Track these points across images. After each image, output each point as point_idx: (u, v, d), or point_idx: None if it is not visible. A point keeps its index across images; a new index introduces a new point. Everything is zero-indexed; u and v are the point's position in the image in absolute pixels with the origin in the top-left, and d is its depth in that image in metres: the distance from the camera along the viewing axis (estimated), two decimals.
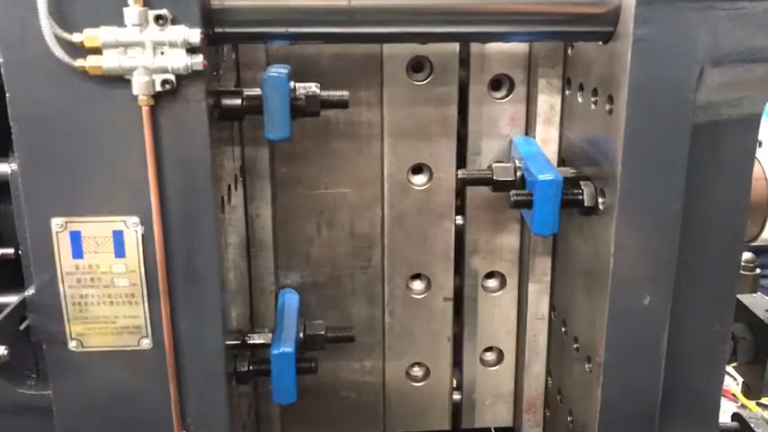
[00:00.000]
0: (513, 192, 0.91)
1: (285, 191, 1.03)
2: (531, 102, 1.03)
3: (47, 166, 0.74)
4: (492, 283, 1.13)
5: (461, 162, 1.05)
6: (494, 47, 1.01)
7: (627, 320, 0.86)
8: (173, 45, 0.71)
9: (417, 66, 1.01)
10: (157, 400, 0.81)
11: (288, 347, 0.89)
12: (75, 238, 0.76)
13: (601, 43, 0.83)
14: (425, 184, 1.05)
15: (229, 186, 0.89)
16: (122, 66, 0.70)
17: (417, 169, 1.05)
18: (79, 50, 0.70)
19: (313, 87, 0.87)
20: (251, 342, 0.93)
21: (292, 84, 0.86)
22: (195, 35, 0.71)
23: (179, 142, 0.75)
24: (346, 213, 1.06)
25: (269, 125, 0.81)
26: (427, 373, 1.13)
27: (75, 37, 0.69)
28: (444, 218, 1.07)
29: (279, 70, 0.83)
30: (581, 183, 0.89)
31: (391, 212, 1.06)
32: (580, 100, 0.93)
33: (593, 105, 0.87)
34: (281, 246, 1.05)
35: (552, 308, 1.09)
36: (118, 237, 0.77)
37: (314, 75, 0.97)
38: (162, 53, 0.71)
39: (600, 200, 0.86)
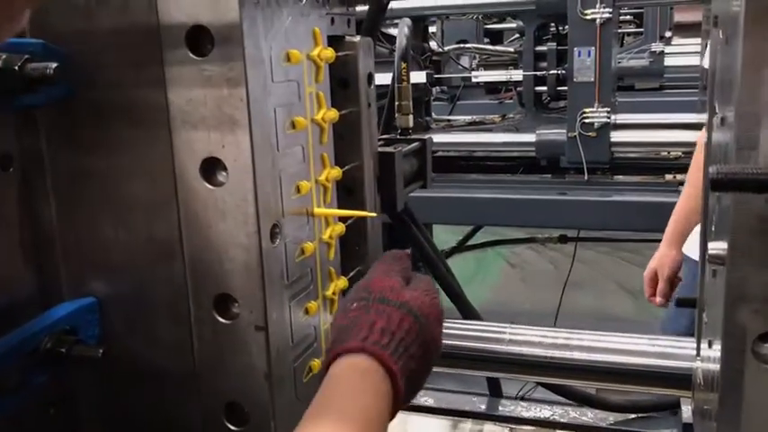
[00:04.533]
0: None
1: (71, 185, 0.91)
2: None
3: None
4: None
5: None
6: None
7: None
8: None
9: (198, 37, 0.83)
10: None
11: None
12: None
13: None
14: (220, 183, 0.86)
15: None
16: None
17: (210, 163, 0.86)
18: None
19: None
20: None
21: None
22: None
23: None
24: (141, 214, 0.90)
25: None
26: (245, 416, 0.92)
27: None
28: (245, 225, 0.86)
29: None
30: None
31: (186, 216, 0.88)
32: None
33: None
34: (74, 249, 0.93)
35: None
36: None
37: (89, 52, 0.86)
38: None
39: None
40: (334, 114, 1.00)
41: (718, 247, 0.75)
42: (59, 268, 0.93)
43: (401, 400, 0.75)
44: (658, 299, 2.60)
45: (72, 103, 0.87)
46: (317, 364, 0.99)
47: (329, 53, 0.97)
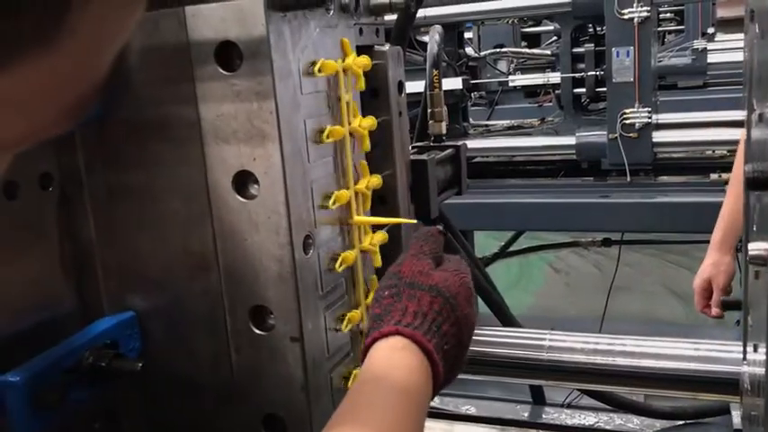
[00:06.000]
0: None
1: (108, 202, 0.93)
2: None
3: None
4: None
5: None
6: None
7: None
8: None
9: (227, 53, 0.84)
10: None
11: (16, 376, 0.79)
12: None
13: None
14: (252, 196, 0.86)
15: None
16: None
17: (242, 177, 0.87)
18: None
19: None
20: None
21: None
22: None
23: None
24: (177, 228, 0.91)
25: None
26: (284, 428, 0.92)
27: None
28: (278, 237, 0.87)
29: None
30: None
31: (221, 229, 0.89)
32: None
33: None
34: (113, 265, 0.94)
35: None
36: None
37: (122, 71, 0.87)
38: None
39: None
40: (371, 122, 0.99)
41: (759, 247, 0.73)
42: (99, 284, 0.95)
43: (441, 376, 0.77)
44: (715, 310, 2.39)
45: (107, 121, 0.89)
46: (354, 373, 0.99)
47: (365, 60, 0.97)
